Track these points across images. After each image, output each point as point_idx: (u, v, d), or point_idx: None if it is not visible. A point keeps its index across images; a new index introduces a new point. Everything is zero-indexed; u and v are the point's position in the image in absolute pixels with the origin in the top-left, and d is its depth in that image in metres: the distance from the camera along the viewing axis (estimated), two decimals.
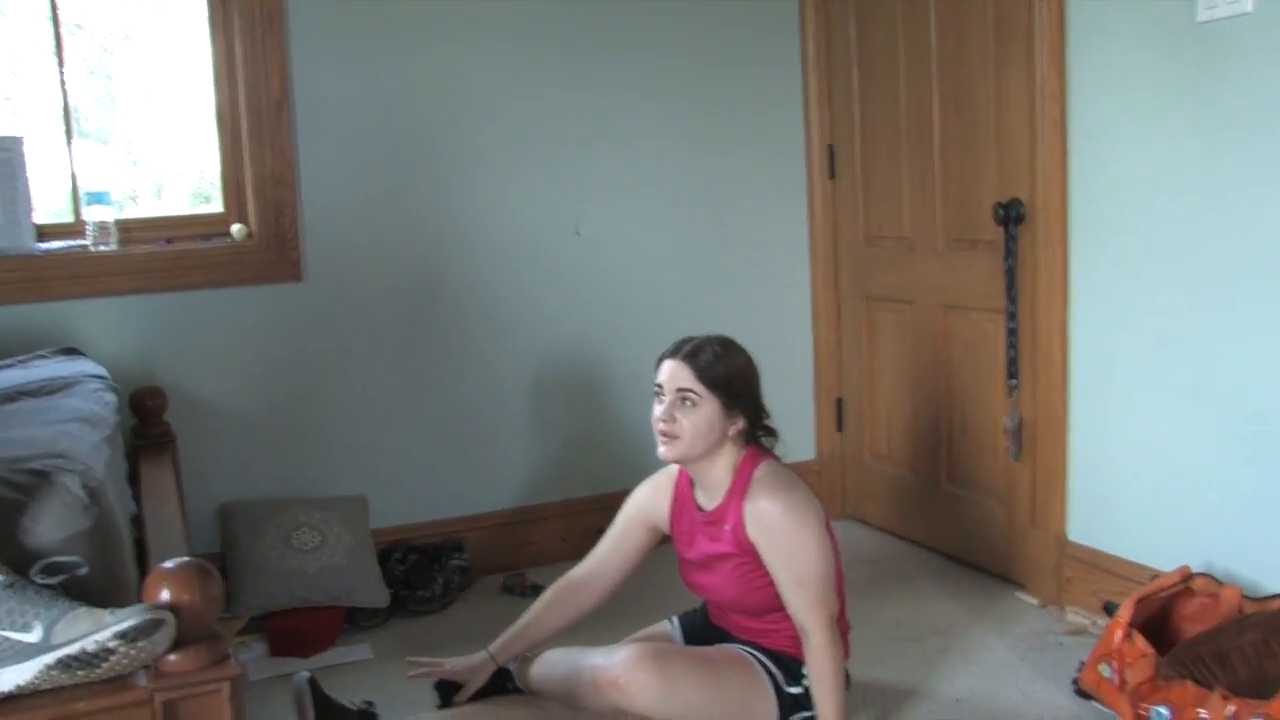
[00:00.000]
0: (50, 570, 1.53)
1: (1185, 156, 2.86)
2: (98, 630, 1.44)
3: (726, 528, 2.46)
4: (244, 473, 3.55)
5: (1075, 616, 3.25)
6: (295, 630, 3.28)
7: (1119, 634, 2.58)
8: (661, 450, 2.46)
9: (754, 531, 2.41)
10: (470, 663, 2.61)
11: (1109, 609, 2.81)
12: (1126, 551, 3.13)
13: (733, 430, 2.46)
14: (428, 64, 3.69)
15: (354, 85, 3.60)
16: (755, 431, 2.52)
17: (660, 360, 2.50)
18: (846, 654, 2.54)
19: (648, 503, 2.68)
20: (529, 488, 3.93)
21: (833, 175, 4.18)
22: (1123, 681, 2.53)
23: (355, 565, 3.43)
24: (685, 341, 2.49)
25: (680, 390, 2.43)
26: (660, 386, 2.47)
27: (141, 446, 3.13)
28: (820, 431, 4.35)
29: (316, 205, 3.59)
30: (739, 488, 2.45)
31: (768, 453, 2.53)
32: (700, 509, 2.54)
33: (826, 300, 4.26)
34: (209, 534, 3.47)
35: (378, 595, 3.43)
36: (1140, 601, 2.63)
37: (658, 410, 2.47)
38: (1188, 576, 2.72)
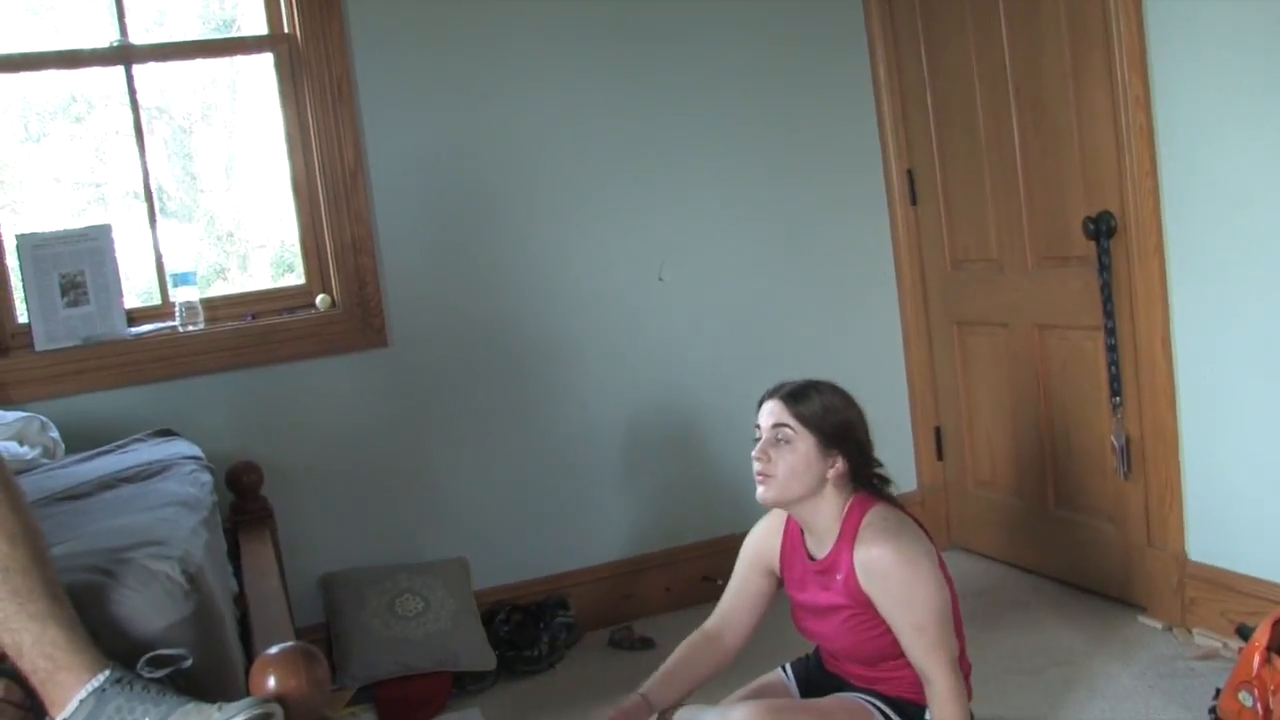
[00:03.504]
0: (156, 663, 1.52)
1: None
2: None
3: (838, 578, 2.38)
4: (343, 542, 3.56)
5: (1204, 639, 3.11)
6: (404, 698, 3.26)
7: (1257, 659, 2.45)
8: (759, 492, 2.40)
9: (865, 581, 2.33)
10: (626, 706, 2.48)
11: (1243, 632, 2.68)
12: (1253, 569, 3.00)
13: (832, 472, 2.38)
14: (497, 116, 3.70)
15: (427, 145, 3.62)
16: (863, 477, 2.44)
17: (760, 402, 2.46)
18: (969, 695, 2.45)
19: (762, 544, 2.60)
20: (629, 539, 3.89)
21: (914, 200, 4.11)
22: (1266, 710, 2.41)
23: (460, 629, 3.40)
24: (785, 383, 2.45)
25: (775, 426, 2.38)
26: (759, 427, 2.42)
27: (240, 523, 3.14)
28: (920, 462, 4.25)
29: (397, 269, 3.61)
30: (848, 535, 2.38)
31: (878, 497, 2.43)
32: (811, 557, 2.47)
33: (917, 328, 4.18)
34: (312, 605, 3.47)
35: (484, 658, 3.40)
36: (1277, 623, 2.50)
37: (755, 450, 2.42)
38: None
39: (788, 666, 2.67)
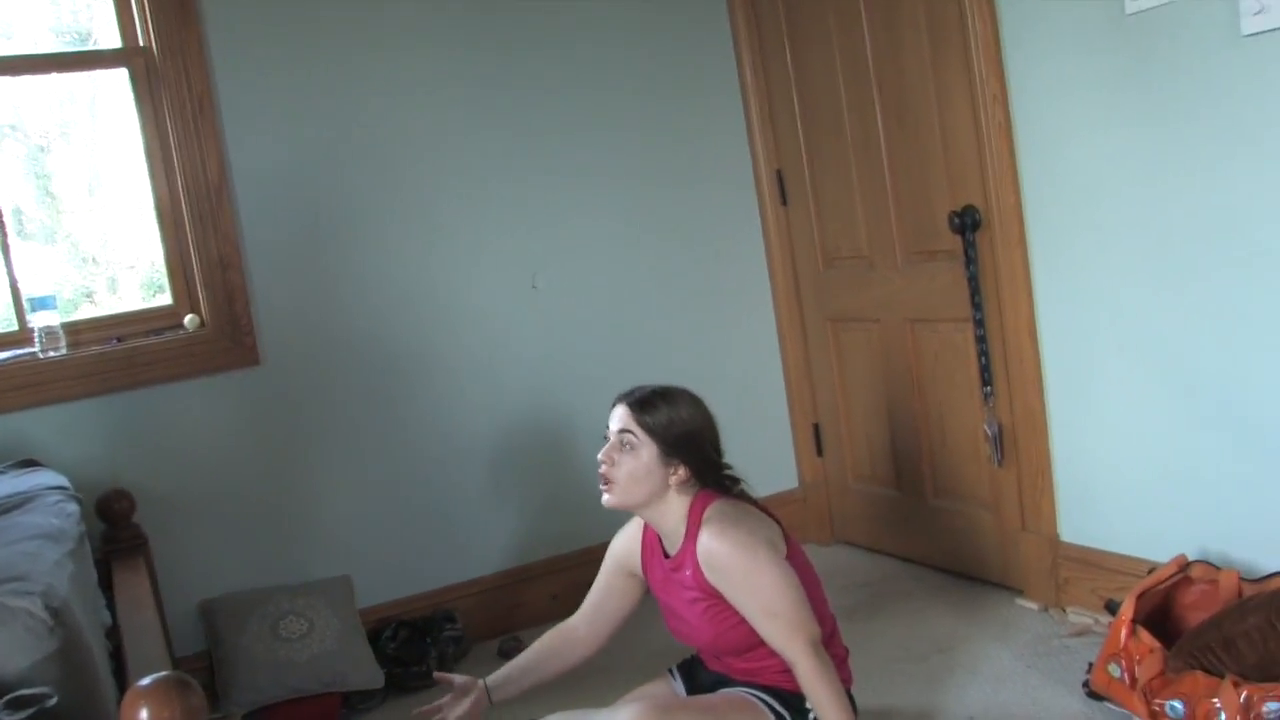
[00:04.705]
0: (17, 704, 1.47)
1: (1131, 147, 2.86)
2: None
3: (687, 573, 2.44)
4: (222, 567, 3.47)
5: (1077, 617, 3.21)
6: None
7: (1124, 631, 2.54)
8: (604, 498, 2.47)
9: (709, 573, 2.39)
10: (464, 684, 2.57)
11: (1111, 607, 2.77)
12: (1120, 546, 3.10)
13: (674, 478, 2.44)
14: (364, 129, 3.64)
15: (293, 159, 3.55)
16: (709, 480, 2.49)
17: (613, 404, 2.52)
18: (849, 680, 2.50)
19: (622, 550, 2.67)
20: (513, 549, 3.87)
21: (784, 200, 4.16)
22: (1133, 679, 2.49)
23: (346, 648, 3.35)
24: (637, 389, 2.50)
25: (620, 432, 2.44)
26: (608, 429, 2.49)
27: (113, 552, 3.05)
28: (800, 459, 4.30)
29: (267, 285, 3.54)
30: (692, 532, 2.43)
31: (721, 492, 2.49)
32: (667, 556, 2.52)
33: (791, 326, 4.22)
34: (193, 634, 3.39)
35: (372, 677, 3.35)
36: (1141, 596, 2.60)
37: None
38: (1184, 565, 2.70)
39: (674, 669, 2.70)
